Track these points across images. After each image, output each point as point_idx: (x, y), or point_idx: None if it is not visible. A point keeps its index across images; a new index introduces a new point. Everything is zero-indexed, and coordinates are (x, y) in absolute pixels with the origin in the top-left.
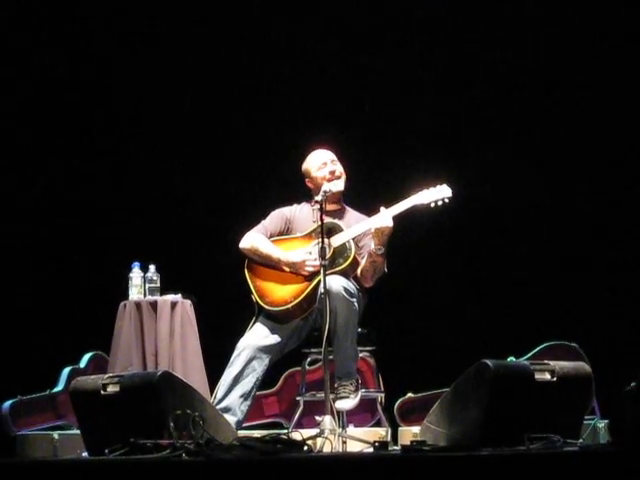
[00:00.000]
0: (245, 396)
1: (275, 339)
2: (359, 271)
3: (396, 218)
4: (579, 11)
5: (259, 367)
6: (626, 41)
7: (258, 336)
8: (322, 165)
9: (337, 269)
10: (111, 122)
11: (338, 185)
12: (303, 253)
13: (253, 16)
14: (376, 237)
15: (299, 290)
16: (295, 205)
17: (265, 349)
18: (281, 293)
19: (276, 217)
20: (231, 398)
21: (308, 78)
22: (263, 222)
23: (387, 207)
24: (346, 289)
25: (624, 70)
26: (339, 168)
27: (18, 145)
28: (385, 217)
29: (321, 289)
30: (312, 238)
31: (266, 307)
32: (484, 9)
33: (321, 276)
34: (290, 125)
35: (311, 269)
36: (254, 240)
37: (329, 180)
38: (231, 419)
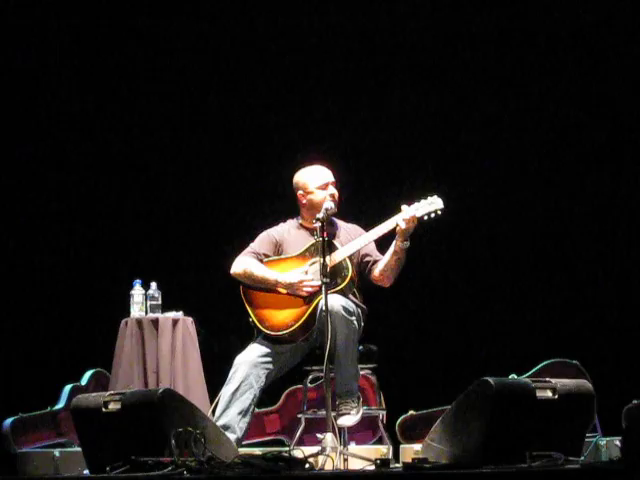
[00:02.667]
0: (243, 413)
1: (273, 356)
2: (377, 272)
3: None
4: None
5: (256, 383)
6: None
7: (255, 352)
8: (324, 185)
9: (336, 289)
10: (115, 140)
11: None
12: (299, 273)
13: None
14: (401, 235)
15: (299, 313)
16: (281, 225)
17: (262, 365)
18: (281, 317)
19: (265, 241)
20: (229, 415)
21: (298, 93)
22: (252, 245)
23: (369, 228)
24: (345, 308)
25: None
26: (336, 192)
27: (19, 166)
28: (408, 215)
29: (322, 307)
30: (307, 258)
31: (266, 332)
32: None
33: (322, 295)
34: (286, 142)
35: (310, 289)
36: (247, 264)
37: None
38: (230, 436)
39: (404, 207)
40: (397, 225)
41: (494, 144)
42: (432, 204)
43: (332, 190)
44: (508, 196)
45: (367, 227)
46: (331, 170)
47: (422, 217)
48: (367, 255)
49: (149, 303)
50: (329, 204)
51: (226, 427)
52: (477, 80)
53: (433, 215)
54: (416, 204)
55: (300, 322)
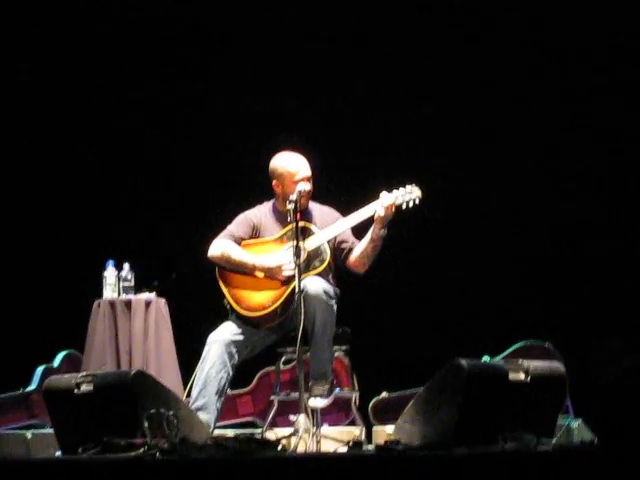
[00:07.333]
0: (219, 393)
1: (246, 334)
2: (353, 258)
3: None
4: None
5: (229, 362)
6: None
7: (229, 331)
8: (299, 180)
9: (314, 272)
10: (90, 122)
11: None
12: (277, 258)
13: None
14: (379, 222)
15: (276, 295)
16: (258, 207)
17: (235, 344)
18: (258, 299)
19: (243, 223)
20: (206, 396)
21: (271, 78)
22: (229, 228)
23: (346, 214)
24: (325, 291)
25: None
26: (309, 187)
27: None
28: (387, 202)
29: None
30: (284, 241)
31: (243, 313)
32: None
33: (295, 277)
34: (258, 125)
35: (288, 273)
36: (224, 247)
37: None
38: (207, 417)
39: (383, 194)
40: (375, 212)
41: (470, 130)
42: (410, 193)
43: (305, 186)
44: (480, 178)
45: (344, 213)
46: (308, 158)
47: (400, 205)
48: (344, 241)
49: (122, 284)
50: (303, 186)
51: (203, 407)
52: (462, 71)
53: (411, 204)
54: (395, 192)
55: (277, 304)
